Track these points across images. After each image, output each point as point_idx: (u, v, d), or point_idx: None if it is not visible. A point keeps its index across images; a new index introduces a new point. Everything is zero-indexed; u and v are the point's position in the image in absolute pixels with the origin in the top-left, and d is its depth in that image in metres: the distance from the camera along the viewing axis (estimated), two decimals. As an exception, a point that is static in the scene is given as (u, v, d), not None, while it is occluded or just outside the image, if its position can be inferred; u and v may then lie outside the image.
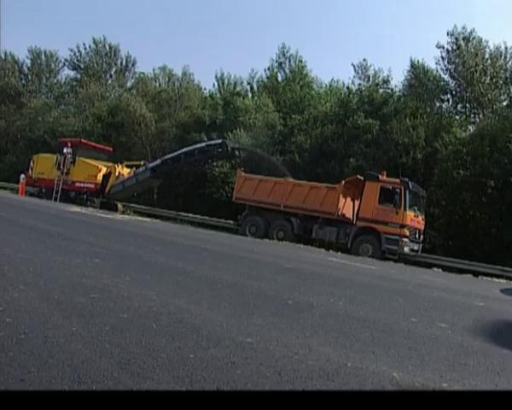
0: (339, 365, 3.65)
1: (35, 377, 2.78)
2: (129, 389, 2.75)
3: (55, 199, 25.81)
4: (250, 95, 39.93)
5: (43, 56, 49.15)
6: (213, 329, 4.20)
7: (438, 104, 31.01)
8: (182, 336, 3.89)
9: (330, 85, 40.55)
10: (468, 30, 29.47)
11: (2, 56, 48.51)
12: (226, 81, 42.63)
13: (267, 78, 41.60)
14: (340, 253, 18.27)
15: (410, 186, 19.49)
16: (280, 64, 41.06)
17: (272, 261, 10.79)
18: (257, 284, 6.84)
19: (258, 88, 41.62)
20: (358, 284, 9.04)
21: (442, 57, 30.26)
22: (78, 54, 48.50)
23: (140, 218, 24.54)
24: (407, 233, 19.18)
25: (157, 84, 42.94)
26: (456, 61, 29.53)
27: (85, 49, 48.27)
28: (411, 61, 31.52)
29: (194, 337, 3.88)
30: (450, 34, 29.75)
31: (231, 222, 24.10)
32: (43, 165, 28.32)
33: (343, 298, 6.63)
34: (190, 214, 27.38)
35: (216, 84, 42.88)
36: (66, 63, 49.50)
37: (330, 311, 5.68)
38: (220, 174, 29.42)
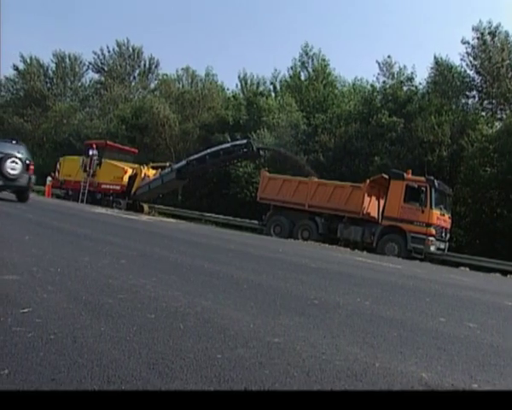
0: (367, 365, 3.62)
1: (65, 376, 2.81)
2: (158, 390, 2.77)
3: (82, 201, 26.14)
4: (273, 95, 39.92)
5: (67, 60, 49.91)
6: (240, 329, 4.20)
7: (463, 101, 30.63)
8: (209, 336, 3.89)
9: (354, 84, 40.36)
10: (494, 24, 29.02)
11: (28, 61, 49.33)
12: (249, 81, 42.75)
13: (290, 77, 41.54)
14: (365, 252, 18.16)
15: (436, 184, 19.27)
16: (303, 63, 40.93)
17: (298, 261, 10.76)
18: (283, 283, 6.83)
19: (281, 88, 41.62)
20: (385, 283, 8.97)
21: (467, 53, 29.83)
22: (101, 57, 49.29)
23: (165, 219, 24.71)
24: (433, 232, 18.98)
25: (180, 86, 43.19)
26: (482, 56, 29.07)
27: (109, 51, 49.01)
28: (435, 57, 31.22)
29: (222, 338, 3.88)
30: (475, 29, 29.31)
31: (256, 222, 24.08)
32: (70, 167, 28.69)
33: (370, 297, 6.58)
34: (214, 215, 27.47)
35: (239, 84, 43.09)
36: (91, 66, 50.34)
37: (357, 310, 5.64)
38: (244, 174, 29.47)
